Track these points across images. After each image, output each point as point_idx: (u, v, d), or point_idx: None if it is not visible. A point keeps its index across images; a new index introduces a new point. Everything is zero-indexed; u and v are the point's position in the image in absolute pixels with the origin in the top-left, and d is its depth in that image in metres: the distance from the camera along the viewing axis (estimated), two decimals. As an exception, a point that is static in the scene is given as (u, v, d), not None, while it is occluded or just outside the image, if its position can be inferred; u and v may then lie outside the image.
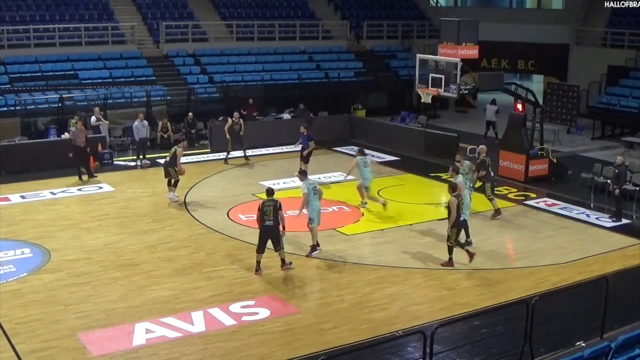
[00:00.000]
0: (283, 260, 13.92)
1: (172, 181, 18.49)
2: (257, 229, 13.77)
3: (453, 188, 14.15)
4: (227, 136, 22.85)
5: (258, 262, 13.73)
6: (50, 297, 12.59)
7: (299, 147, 21.24)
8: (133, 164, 22.79)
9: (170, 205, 18.24)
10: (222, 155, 23.11)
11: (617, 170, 17.61)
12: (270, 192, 13.84)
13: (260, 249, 13.67)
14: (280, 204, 13.57)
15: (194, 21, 31.21)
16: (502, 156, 21.36)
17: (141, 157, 22.63)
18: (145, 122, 23.10)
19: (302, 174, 15.32)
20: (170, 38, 30.00)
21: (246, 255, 14.66)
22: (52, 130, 24.09)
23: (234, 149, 23.07)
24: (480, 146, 18.34)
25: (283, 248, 13.82)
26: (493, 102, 27.61)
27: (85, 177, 20.57)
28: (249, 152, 23.32)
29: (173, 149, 18.65)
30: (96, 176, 20.79)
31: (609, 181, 18.77)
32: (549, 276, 13.81)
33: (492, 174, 17.94)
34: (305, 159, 20.81)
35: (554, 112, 27.61)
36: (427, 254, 15.03)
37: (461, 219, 14.07)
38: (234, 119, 23.09)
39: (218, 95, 28.47)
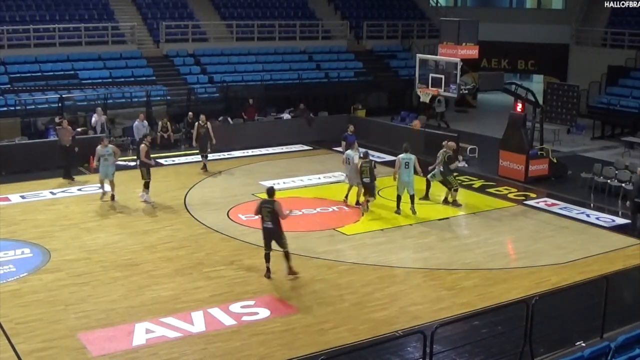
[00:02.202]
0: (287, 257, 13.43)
1: (144, 182, 18.28)
2: (257, 229, 13.76)
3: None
4: (194, 142, 21.93)
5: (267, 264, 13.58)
6: (50, 297, 12.59)
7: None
8: (133, 164, 22.77)
9: (170, 205, 18.23)
10: (222, 155, 23.01)
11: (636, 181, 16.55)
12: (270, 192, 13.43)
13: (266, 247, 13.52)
14: (278, 205, 13.17)
15: (194, 21, 31.21)
16: (502, 156, 21.36)
17: (141, 157, 22.59)
18: (145, 122, 23.10)
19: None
20: (170, 38, 29.99)
21: (246, 255, 14.68)
22: (52, 130, 24.06)
23: (200, 154, 22.10)
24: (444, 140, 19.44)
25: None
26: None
27: (85, 177, 20.53)
28: (249, 152, 23.21)
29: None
30: (73, 179, 20.33)
31: (630, 188, 17.51)
32: (549, 276, 13.80)
33: (442, 169, 18.45)
34: None
35: (554, 112, 27.64)
36: (427, 254, 15.05)
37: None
38: (200, 122, 21.90)
39: (218, 95, 28.45)
